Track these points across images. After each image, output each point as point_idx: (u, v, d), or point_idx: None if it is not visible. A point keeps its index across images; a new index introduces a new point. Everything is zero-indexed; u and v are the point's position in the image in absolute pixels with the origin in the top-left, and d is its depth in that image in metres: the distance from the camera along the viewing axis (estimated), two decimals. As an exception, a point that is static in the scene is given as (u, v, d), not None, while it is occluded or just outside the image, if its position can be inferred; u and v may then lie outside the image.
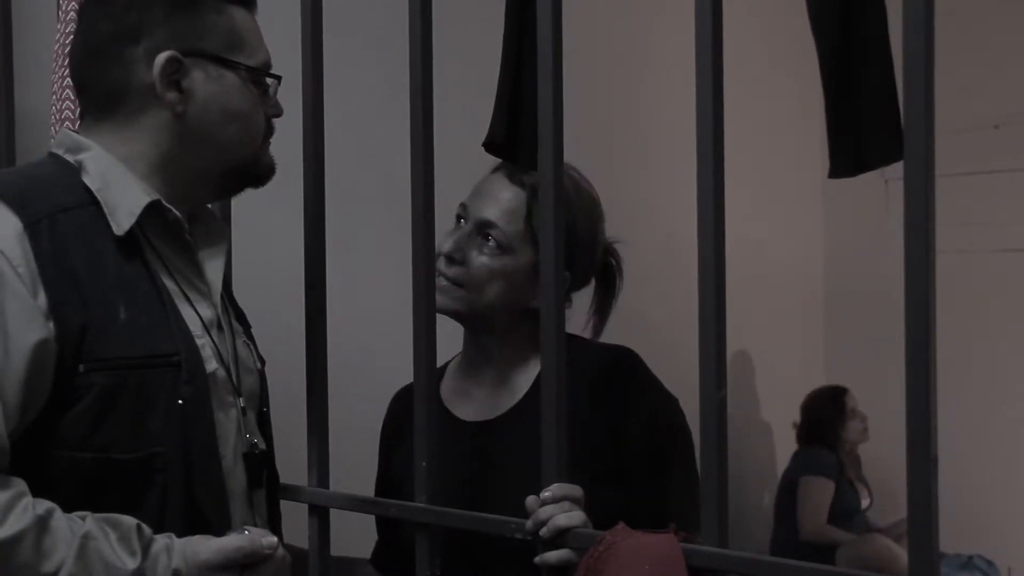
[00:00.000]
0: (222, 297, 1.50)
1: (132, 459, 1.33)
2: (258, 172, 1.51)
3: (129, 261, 1.38)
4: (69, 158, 1.42)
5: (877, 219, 4.39)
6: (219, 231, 1.52)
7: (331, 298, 1.68)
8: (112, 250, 1.36)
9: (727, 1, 1.33)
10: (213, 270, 1.48)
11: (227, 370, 1.45)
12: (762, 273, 4.35)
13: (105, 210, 1.37)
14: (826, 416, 4.51)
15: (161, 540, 1.31)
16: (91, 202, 1.38)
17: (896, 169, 1.19)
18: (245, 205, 1.65)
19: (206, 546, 1.33)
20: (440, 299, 1.63)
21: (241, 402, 1.46)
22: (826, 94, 1.32)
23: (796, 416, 4.62)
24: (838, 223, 5.02)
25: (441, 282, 1.63)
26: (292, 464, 1.70)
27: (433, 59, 1.56)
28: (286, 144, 1.57)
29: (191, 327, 1.41)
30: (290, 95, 1.55)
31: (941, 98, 1.16)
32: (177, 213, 1.42)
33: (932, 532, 1.15)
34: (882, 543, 4.34)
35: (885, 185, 4.26)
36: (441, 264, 1.64)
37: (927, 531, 1.15)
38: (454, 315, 1.67)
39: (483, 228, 1.66)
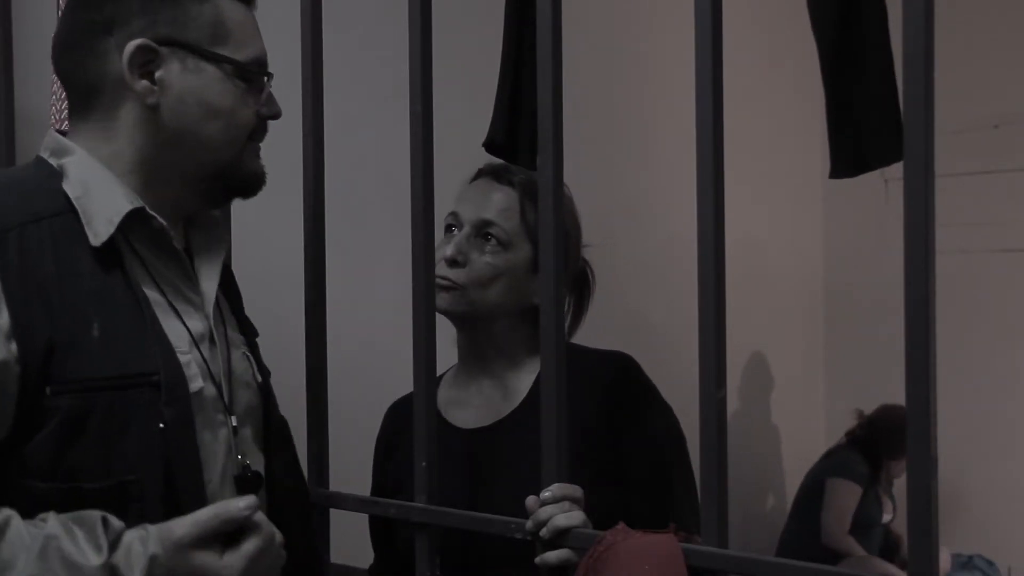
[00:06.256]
0: (218, 308, 1.42)
1: (102, 488, 1.24)
2: (242, 177, 1.41)
3: (107, 272, 1.29)
4: (53, 162, 1.35)
5: (877, 219, 4.38)
6: (219, 238, 1.44)
7: (331, 298, 1.68)
8: (88, 260, 1.28)
9: (727, 1, 1.33)
10: (208, 279, 1.40)
11: (218, 387, 1.36)
12: (762, 273, 4.35)
13: (82, 219, 1.30)
14: (891, 439, 4.24)
15: (135, 531, 1.21)
16: (69, 209, 1.30)
17: (896, 169, 1.19)
18: (245, 205, 1.65)
19: (179, 522, 1.22)
20: (445, 301, 1.64)
21: (233, 420, 1.37)
22: (826, 94, 1.32)
23: (796, 415, 4.60)
24: (838, 223, 5.02)
25: (445, 284, 1.64)
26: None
27: (433, 59, 1.56)
28: (286, 144, 1.56)
29: (176, 342, 1.32)
30: (290, 95, 1.54)
31: (941, 98, 1.16)
32: (162, 221, 1.34)
33: (932, 532, 1.15)
34: (882, 568, 4.28)
35: (885, 185, 4.26)
36: (443, 268, 1.64)
37: (927, 531, 1.15)
38: (458, 317, 1.67)
39: (482, 228, 1.66)
